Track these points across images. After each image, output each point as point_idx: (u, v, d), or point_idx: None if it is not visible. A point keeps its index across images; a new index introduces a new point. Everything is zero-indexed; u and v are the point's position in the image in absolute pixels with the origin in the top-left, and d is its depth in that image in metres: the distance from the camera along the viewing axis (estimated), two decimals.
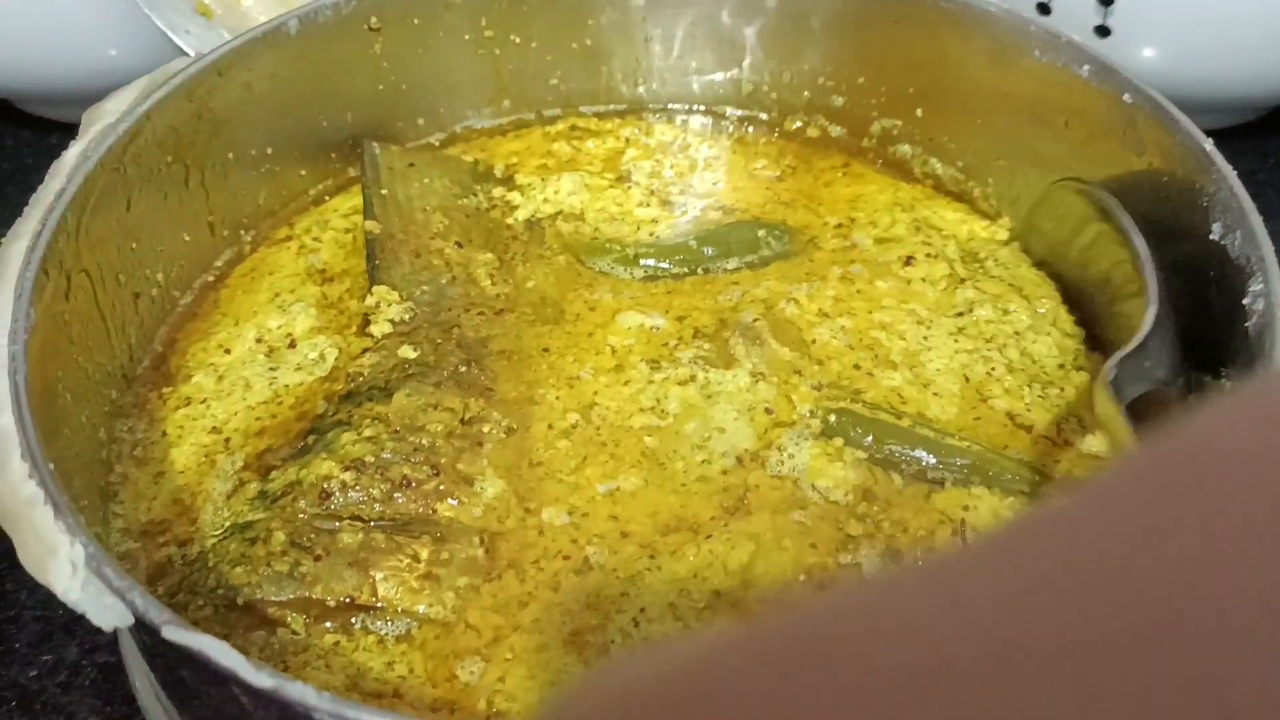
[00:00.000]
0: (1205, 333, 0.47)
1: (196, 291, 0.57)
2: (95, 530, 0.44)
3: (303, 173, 0.61)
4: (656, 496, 0.48)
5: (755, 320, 0.54)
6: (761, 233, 0.59)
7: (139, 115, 0.51)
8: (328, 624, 0.44)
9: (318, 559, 0.44)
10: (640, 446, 0.49)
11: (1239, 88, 0.72)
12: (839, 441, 0.48)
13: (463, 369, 0.52)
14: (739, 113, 0.67)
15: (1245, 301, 0.43)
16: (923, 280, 0.56)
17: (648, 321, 0.54)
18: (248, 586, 0.43)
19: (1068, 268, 0.56)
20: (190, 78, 0.53)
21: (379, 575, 0.44)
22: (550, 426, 0.50)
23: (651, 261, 0.58)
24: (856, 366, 0.52)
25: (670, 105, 0.67)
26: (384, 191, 0.59)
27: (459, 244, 0.57)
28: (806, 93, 0.65)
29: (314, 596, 0.44)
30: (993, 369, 0.52)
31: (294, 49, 0.58)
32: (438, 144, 0.65)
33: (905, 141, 0.64)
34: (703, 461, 0.49)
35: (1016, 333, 0.53)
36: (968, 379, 0.52)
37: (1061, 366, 0.52)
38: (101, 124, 0.50)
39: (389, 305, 0.54)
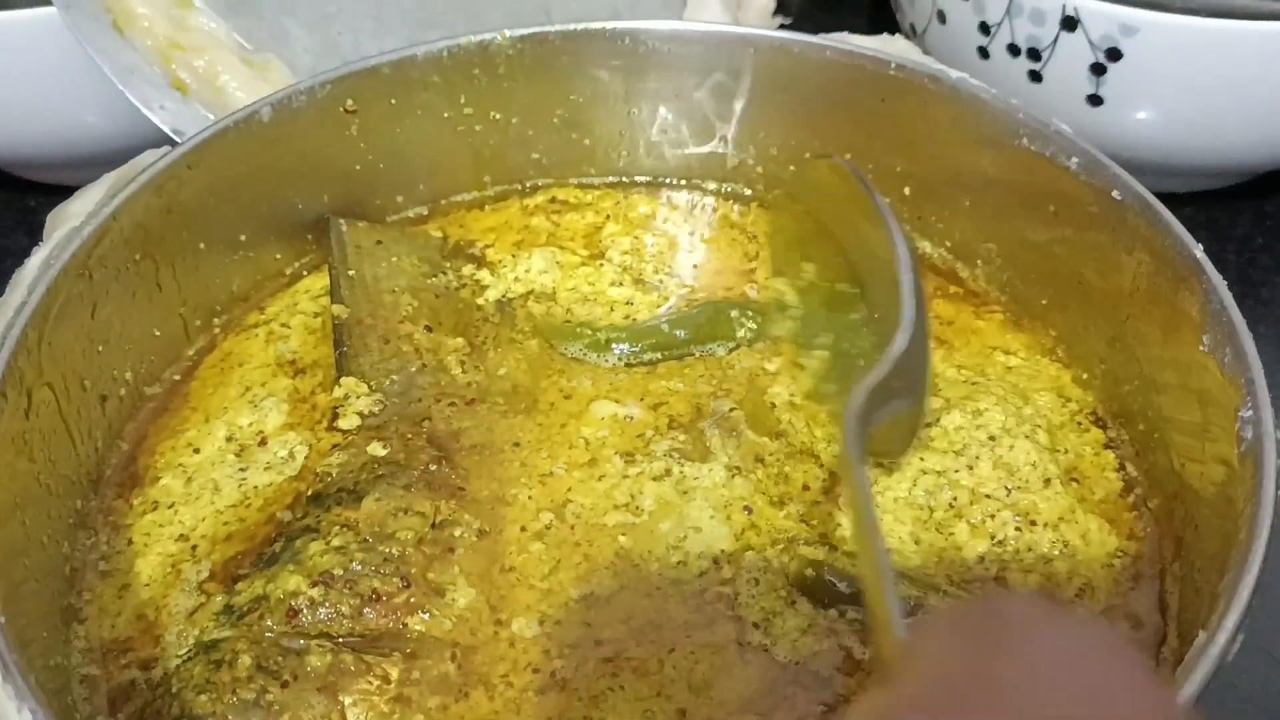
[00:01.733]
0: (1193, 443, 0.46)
1: (166, 385, 0.55)
2: (56, 659, 0.43)
3: (277, 255, 0.60)
4: (631, 600, 0.47)
5: (731, 410, 0.53)
6: (735, 313, 0.58)
7: (105, 216, 0.50)
8: None
9: (285, 685, 0.43)
10: (614, 546, 0.48)
11: (1233, 153, 0.71)
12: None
13: (433, 467, 0.50)
14: (723, 187, 0.66)
15: (1236, 427, 0.42)
16: None
17: (622, 411, 0.53)
18: (212, 717, 0.42)
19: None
20: (159, 173, 0.52)
21: (348, 700, 0.43)
22: (523, 529, 0.49)
23: (624, 347, 0.57)
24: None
25: (652, 178, 0.66)
26: (351, 272, 0.58)
27: (428, 327, 0.56)
28: (792, 168, 0.64)
29: None
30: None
31: (268, 135, 0.56)
32: (415, 219, 0.64)
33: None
34: (678, 564, 0.47)
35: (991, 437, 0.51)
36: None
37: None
38: (66, 227, 0.49)
39: (358, 397, 0.53)
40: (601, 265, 0.61)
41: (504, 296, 0.59)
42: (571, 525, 0.49)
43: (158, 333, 0.55)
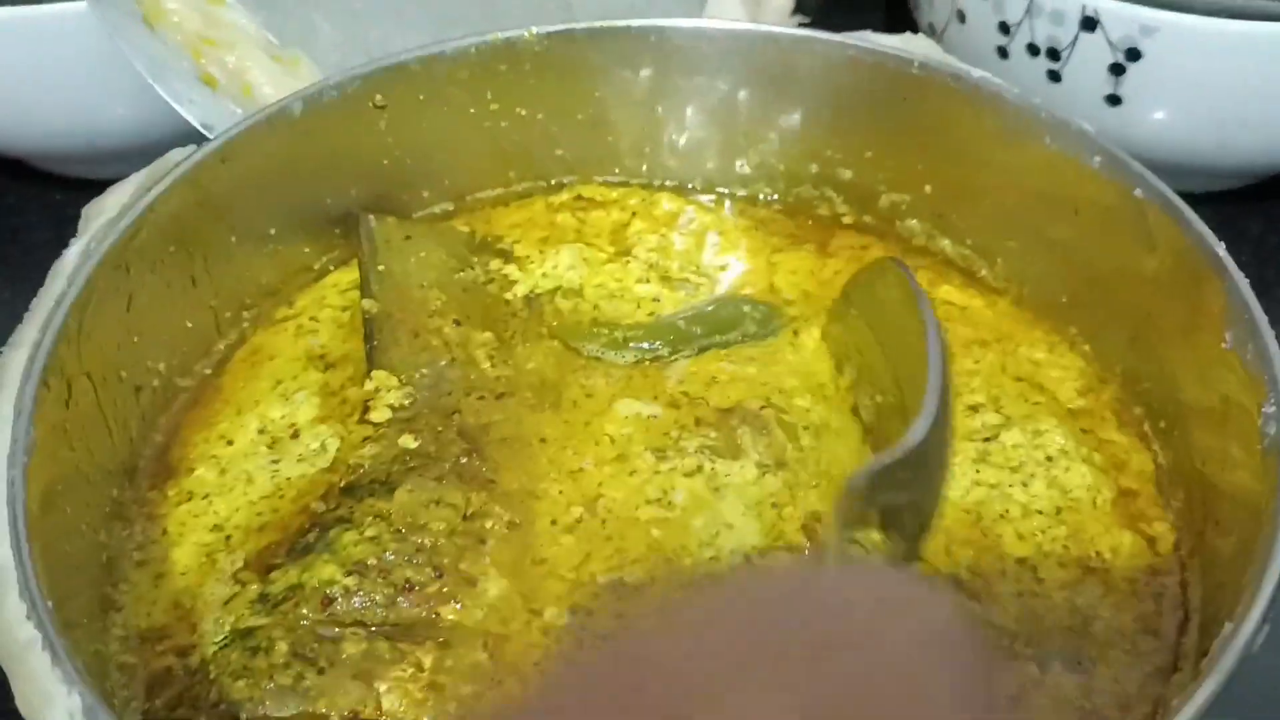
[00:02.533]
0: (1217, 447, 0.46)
1: (199, 378, 0.56)
2: (96, 647, 0.44)
3: (306, 249, 0.61)
4: (664, 594, 0.47)
5: (762, 409, 0.53)
6: (747, 308, 0.59)
7: (142, 209, 0.50)
8: None
9: (321, 671, 0.44)
10: (647, 539, 0.49)
11: (1251, 154, 0.72)
12: None
13: (464, 460, 0.51)
14: (747, 184, 0.66)
15: (1259, 423, 0.43)
16: None
17: (645, 410, 0.54)
18: (250, 702, 0.43)
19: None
20: (193, 166, 0.53)
21: (383, 687, 0.44)
22: (554, 522, 0.50)
23: (643, 344, 0.57)
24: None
25: (677, 178, 0.66)
26: (380, 267, 0.58)
27: (457, 322, 0.57)
28: (814, 166, 0.64)
29: (318, 711, 0.43)
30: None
31: (298, 129, 0.57)
32: (440, 214, 0.65)
33: (913, 217, 0.63)
34: (710, 559, 0.48)
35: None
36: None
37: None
38: (102, 219, 0.50)
39: (389, 390, 0.54)
40: (628, 262, 0.61)
41: (532, 292, 0.60)
42: (603, 519, 0.49)
43: (190, 324, 0.55)
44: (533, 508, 0.50)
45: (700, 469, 0.51)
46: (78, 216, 0.74)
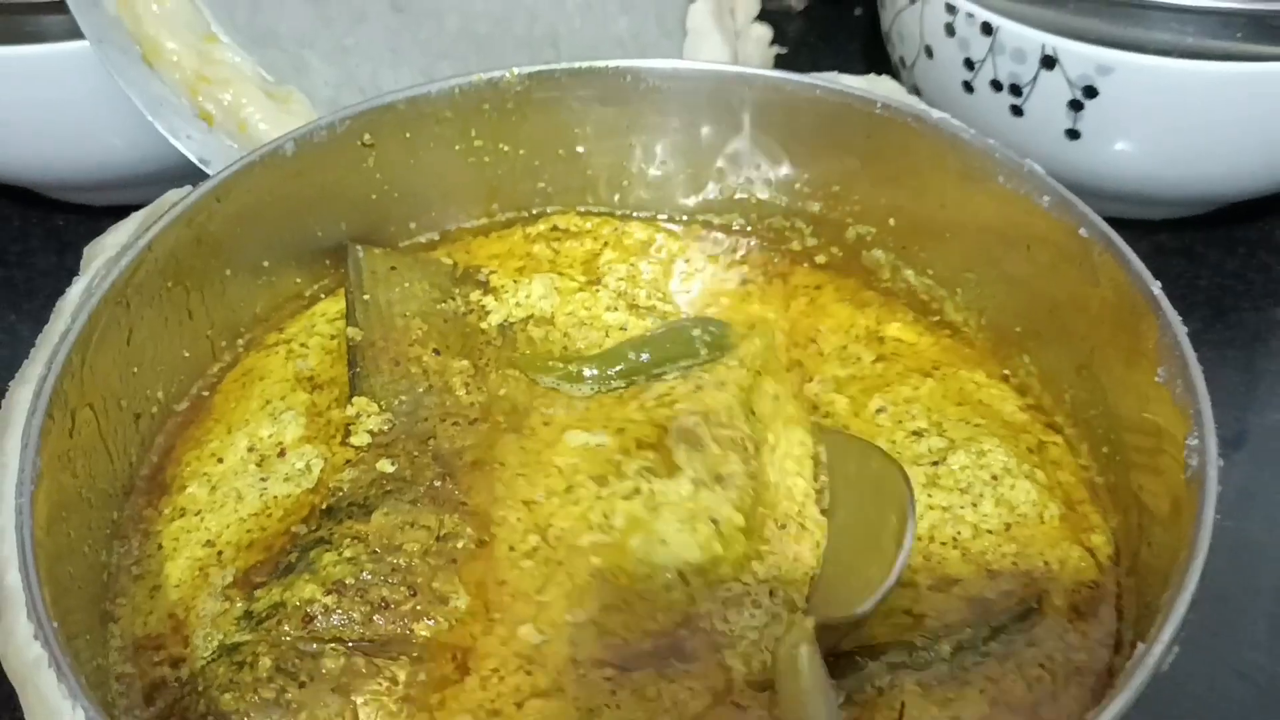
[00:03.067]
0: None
1: (192, 398, 0.59)
2: (98, 660, 0.47)
3: (297, 280, 0.64)
4: (613, 618, 0.49)
5: (695, 424, 0.55)
6: (696, 332, 0.61)
7: (141, 248, 0.53)
8: None
9: (302, 685, 0.46)
10: (588, 566, 0.51)
11: (1204, 185, 0.75)
12: None
13: (438, 484, 0.54)
14: (718, 217, 0.69)
15: (1184, 454, 0.46)
16: None
17: (592, 440, 0.56)
18: (236, 714, 0.45)
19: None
20: (189, 206, 0.56)
21: (360, 700, 0.46)
22: (512, 548, 0.52)
23: (594, 371, 0.59)
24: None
25: (651, 209, 0.69)
26: (366, 297, 0.61)
27: (436, 351, 0.60)
28: (784, 199, 0.67)
29: None
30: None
31: (291, 168, 0.60)
32: (426, 244, 0.68)
33: (878, 248, 0.66)
34: (646, 576, 0.50)
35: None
36: None
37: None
38: (102, 258, 0.53)
39: (369, 416, 0.56)
40: (598, 291, 0.64)
41: (506, 320, 0.63)
42: (554, 546, 0.52)
43: (187, 354, 0.58)
44: (494, 533, 0.53)
45: (638, 490, 0.52)
46: (80, 242, 0.78)
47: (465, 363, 0.59)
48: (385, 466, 0.54)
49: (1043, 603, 0.50)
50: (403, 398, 0.57)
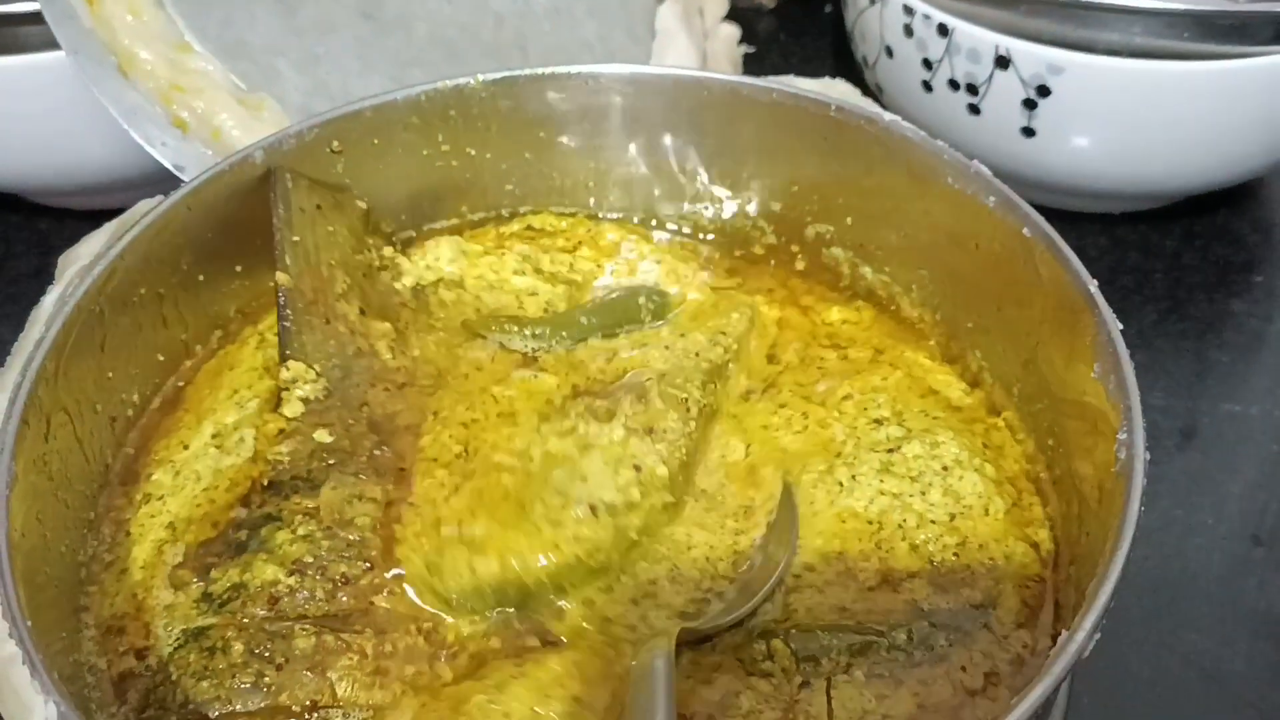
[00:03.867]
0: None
1: (166, 394, 0.61)
2: (74, 656, 0.49)
3: (270, 282, 0.65)
4: (512, 539, 0.51)
5: (647, 380, 0.57)
6: (642, 299, 0.64)
7: (113, 257, 0.55)
8: None
9: (279, 668, 0.48)
10: (501, 486, 0.52)
11: (1156, 180, 0.77)
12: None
13: (376, 453, 0.55)
14: (682, 219, 0.71)
15: (1115, 448, 0.47)
16: None
17: (537, 376, 0.59)
18: (217, 701, 0.47)
19: None
20: (160, 215, 0.57)
21: (334, 676, 0.48)
22: (434, 459, 0.54)
23: (543, 331, 0.62)
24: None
25: (619, 210, 0.71)
26: (295, 239, 0.60)
27: (362, 311, 0.60)
28: (745, 198, 0.69)
29: (280, 704, 0.47)
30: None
31: (261, 175, 0.62)
32: (403, 240, 0.69)
33: (837, 245, 0.68)
34: (560, 506, 0.51)
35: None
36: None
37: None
38: (76, 267, 0.54)
39: (305, 383, 0.56)
40: (503, 255, 0.66)
41: (418, 284, 0.64)
42: (472, 460, 0.54)
43: (161, 357, 0.60)
44: (418, 453, 0.55)
45: (574, 430, 0.54)
46: (64, 246, 0.79)
47: (387, 325, 0.60)
48: (323, 437, 0.54)
49: (989, 600, 0.51)
50: (335, 361, 0.57)
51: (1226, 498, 0.67)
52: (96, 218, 0.65)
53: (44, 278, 0.79)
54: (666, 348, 0.61)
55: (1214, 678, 0.59)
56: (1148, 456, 0.46)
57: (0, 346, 0.74)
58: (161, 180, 0.66)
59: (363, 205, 0.65)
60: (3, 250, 0.84)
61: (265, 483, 0.53)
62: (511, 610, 0.51)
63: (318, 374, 0.57)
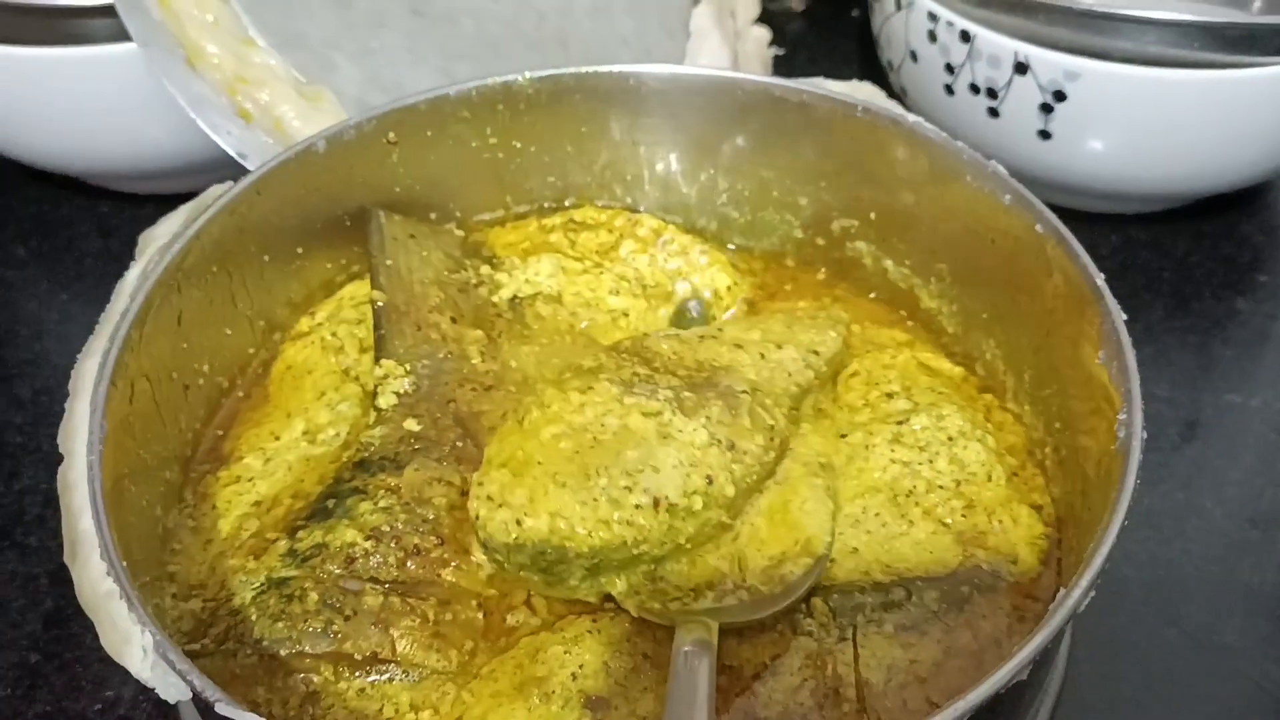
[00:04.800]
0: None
1: (247, 386, 0.66)
2: (155, 602, 0.53)
3: (328, 265, 0.70)
4: (567, 502, 0.51)
5: (742, 391, 0.56)
6: (692, 303, 0.68)
7: (190, 235, 0.59)
8: (353, 673, 0.52)
9: (347, 619, 0.52)
10: (571, 447, 0.53)
11: (1167, 183, 0.80)
12: None
13: (459, 444, 0.59)
14: (716, 215, 0.75)
15: (1115, 428, 0.51)
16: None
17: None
18: (289, 640, 0.51)
19: None
20: (233, 198, 0.62)
21: (396, 634, 0.52)
22: (504, 416, 0.59)
23: None
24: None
25: (657, 204, 0.75)
26: (389, 262, 0.66)
27: (453, 319, 0.65)
28: (775, 193, 0.73)
29: (344, 651, 0.51)
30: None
31: (322, 163, 0.66)
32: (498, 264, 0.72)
33: (861, 239, 0.72)
34: (624, 488, 0.51)
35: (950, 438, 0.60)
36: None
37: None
38: (155, 245, 0.59)
39: (396, 378, 0.62)
40: (601, 274, 0.70)
41: (515, 296, 0.68)
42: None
43: (229, 332, 0.64)
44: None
45: (659, 414, 0.53)
46: (123, 228, 0.84)
47: (479, 332, 0.65)
48: (412, 425, 0.59)
49: (1008, 556, 0.56)
50: (425, 362, 0.63)
51: (1225, 483, 0.70)
52: (157, 201, 0.69)
53: (107, 258, 0.85)
54: (762, 355, 0.60)
55: (1209, 649, 0.62)
56: (1144, 435, 0.50)
57: (70, 319, 0.80)
58: (222, 166, 0.71)
59: (459, 233, 0.71)
60: (71, 232, 0.88)
61: (356, 461, 0.58)
62: (536, 577, 0.53)
63: (406, 371, 0.62)
